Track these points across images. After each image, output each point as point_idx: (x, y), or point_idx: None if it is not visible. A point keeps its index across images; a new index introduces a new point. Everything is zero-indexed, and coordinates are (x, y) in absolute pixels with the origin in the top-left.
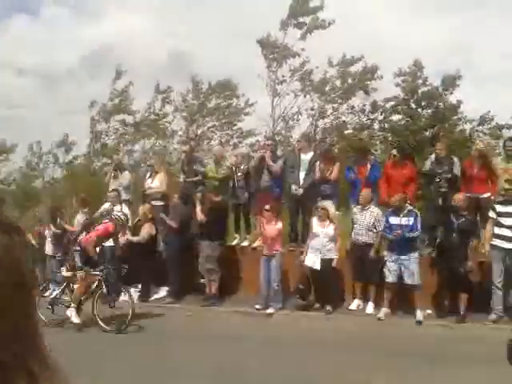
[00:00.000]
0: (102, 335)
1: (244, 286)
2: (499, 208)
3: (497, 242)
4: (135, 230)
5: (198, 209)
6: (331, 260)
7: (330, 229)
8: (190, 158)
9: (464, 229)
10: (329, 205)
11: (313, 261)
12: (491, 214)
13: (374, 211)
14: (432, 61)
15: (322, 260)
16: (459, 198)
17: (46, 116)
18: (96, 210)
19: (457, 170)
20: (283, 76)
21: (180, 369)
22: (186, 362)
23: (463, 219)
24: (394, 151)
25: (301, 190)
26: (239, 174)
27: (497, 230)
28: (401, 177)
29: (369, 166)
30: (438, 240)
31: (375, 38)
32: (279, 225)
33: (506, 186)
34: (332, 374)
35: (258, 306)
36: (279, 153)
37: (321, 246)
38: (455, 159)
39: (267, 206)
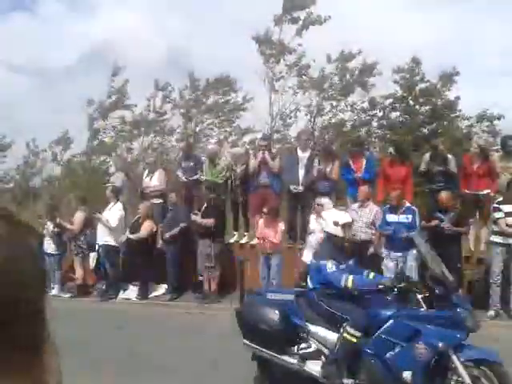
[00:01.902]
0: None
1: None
2: (506, 208)
3: (498, 239)
4: (134, 228)
5: (196, 210)
6: None
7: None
8: (187, 155)
9: (454, 223)
10: (326, 202)
11: (307, 256)
12: (498, 214)
13: (373, 208)
14: (430, 57)
15: None
16: (442, 196)
17: (43, 113)
18: (94, 208)
19: (453, 168)
20: (280, 72)
21: (176, 365)
22: (182, 359)
23: (452, 214)
24: (391, 149)
25: (301, 188)
26: (238, 171)
27: (497, 228)
28: (398, 175)
29: (364, 161)
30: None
31: (372, 34)
32: (281, 226)
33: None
34: None
35: None
36: (273, 151)
37: (315, 242)
38: (450, 156)
39: (265, 209)
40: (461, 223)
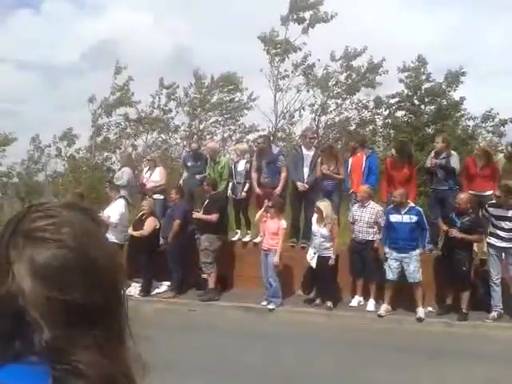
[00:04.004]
0: None
1: (245, 280)
2: (492, 211)
3: (492, 241)
4: (137, 225)
5: (198, 206)
6: (327, 258)
7: (324, 230)
8: (194, 154)
9: (466, 228)
10: (326, 205)
11: (310, 257)
12: (485, 213)
13: (375, 208)
14: (436, 56)
15: (319, 257)
16: (462, 198)
17: (47, 110)
18: (94, 205)
19: (454, 163)
20: (286, 70)
21: (179, 362)
22: (185, 356)
23: (466, 218)
24: (393, 151)
25: (307, 186)
26: (239, 169)
27: (492, 229)
28: (401, 176)
29: (364, 158)
30: (439, 238)
31: (378, 33)
32: (283, 223)
33: (497, 193)
34: (332, 371)
35: (264, 303)
36: (275, 149)
37: (317, 244)
38: (453, 153)
39: (270, 203)
40: (474, 229)
